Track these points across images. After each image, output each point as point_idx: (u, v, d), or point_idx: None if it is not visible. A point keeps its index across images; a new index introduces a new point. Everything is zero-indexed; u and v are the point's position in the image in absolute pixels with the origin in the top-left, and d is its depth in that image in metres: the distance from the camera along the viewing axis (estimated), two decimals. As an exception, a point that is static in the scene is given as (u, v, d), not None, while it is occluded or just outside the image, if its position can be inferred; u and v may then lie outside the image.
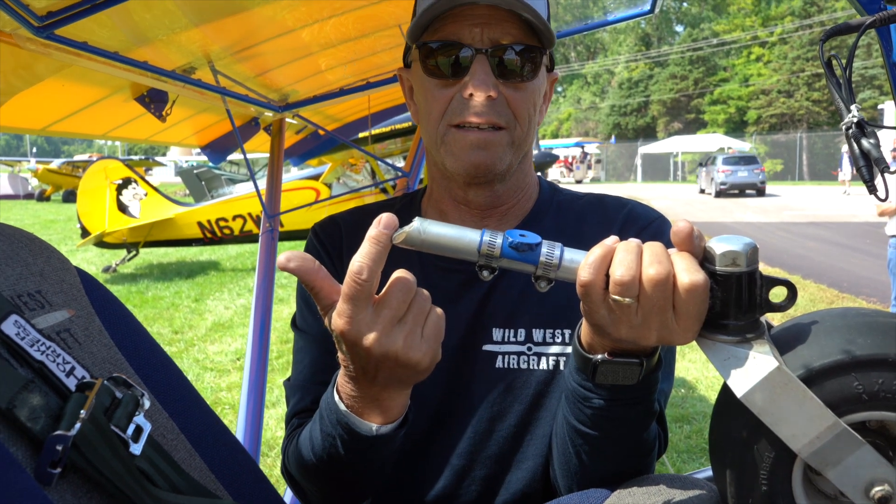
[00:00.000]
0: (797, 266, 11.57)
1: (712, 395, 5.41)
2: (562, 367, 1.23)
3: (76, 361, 0.79)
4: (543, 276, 0.87)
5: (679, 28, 67.54)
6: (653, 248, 0.84)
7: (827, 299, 9.05)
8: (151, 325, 8.21)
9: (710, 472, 0.91)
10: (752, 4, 58.21)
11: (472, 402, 1.24)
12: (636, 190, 37.78)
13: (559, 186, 1.43)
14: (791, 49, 50.52)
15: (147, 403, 0.82)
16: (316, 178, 12.27)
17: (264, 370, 3.06)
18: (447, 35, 1.17)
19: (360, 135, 6.05)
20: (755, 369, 0.78)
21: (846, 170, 30.36)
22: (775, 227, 17.82)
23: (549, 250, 0.86)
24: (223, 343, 7.43)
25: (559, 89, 69.61)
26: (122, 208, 11.73)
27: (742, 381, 0.78)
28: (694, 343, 0.85)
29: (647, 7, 2.30)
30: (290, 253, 0.86)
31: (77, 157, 41.31)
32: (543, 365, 1.23)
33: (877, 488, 0.76)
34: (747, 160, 32.79)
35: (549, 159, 15.21)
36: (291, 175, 13.33)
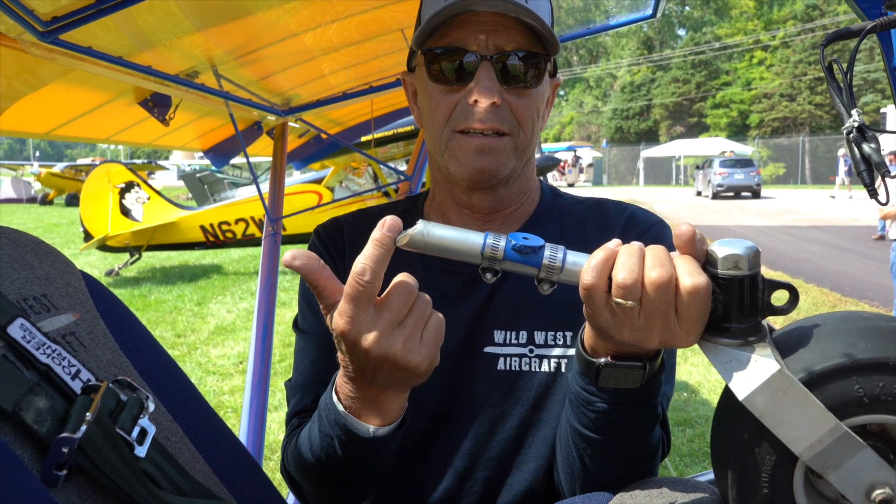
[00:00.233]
0: (799, 269, 11.56)
1: (715, 399, 5.39)
2: (563, 370, 1.23)
3: (81, 364, 0.79)
4: (546, 278, 0.87)
5: (681, 32, 67.54)
6: (655, 252, 0.84)
7: (829, 303, 9.03)
8: (154, 328, 8.21)
9: (712, 476, 0.91)
10: (755, 8, 58.24)
11: (473, 403, 1.25)
12: (638, 193, 37.77)
13: (561, 191, 1.44)
14: (793, 53, 50.51)
15: (151, 406, 0.83)
16: (318, 181, 12.28)
17: (267, 374, 3.06)
18: (452, 41, 1.18)
19: (363, 139, 6.06)
20: (757, 372, 0.78)
21: (841, 174, 30.47)
22: (777, 231, 17.80)
23: (553, 253, 0.86)
24: (226, 346, 7.43)
25: (561, 93, 69.62)
26: (125, 212, 11.75)
27: (744, 384, 0.79)
28: (696, 347, 0.86)
29: (649, 11, 2.31)
30: (296, 251, 0.87)
31: (80, 161, 41.40)
32: (545, 367, 1.24)
33: (878, 491, 0.76)
34: (743, 163, 33.84)
35: (550, 163, 15.22)
36: (294, 179, 13.34)
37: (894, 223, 6.01)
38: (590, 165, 50.78)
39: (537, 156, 14.03)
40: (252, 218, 11.74)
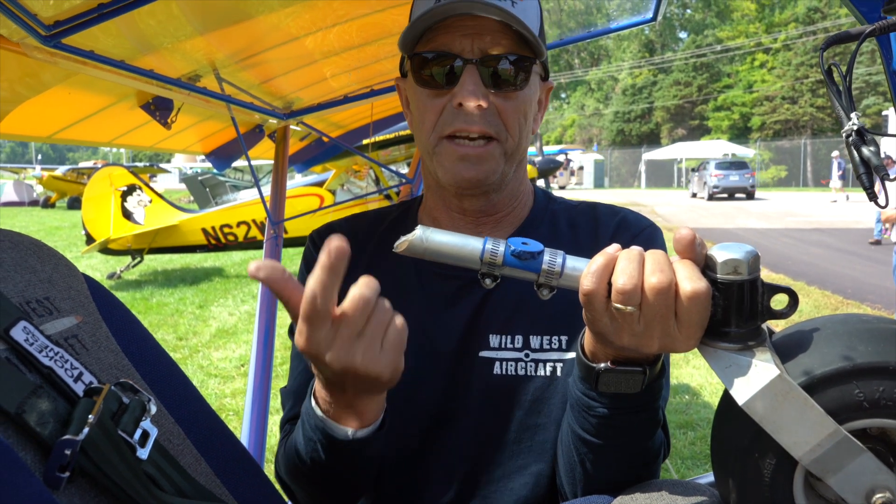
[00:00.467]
0: (801, 272, 11.55)
1: (716, 402, 5.35)
2: (559, 374, 1.23)
3: (84, 367, 0.80)
4: (546, 283, 0.87)
5: (683, 34, 67.59)
6: (655, 257, 0.84)
7: (831, 305, 9.02)
8: (156, 331, 8.21)
9: (713, 478, 0.91)
10: (756, 11, 58.25)
11: (470, 408, 1.25)
12: (640, 196, 37.80)
13: (554, 195, 1.44)
14: (795, 55, 50.49)
15: (153, 409, 0.83)
16: (320, 184, 12.29)
17: (269, 376, 3.06)
18: (438, 46, 1.18)
19: (364, 141, 6.07)
20: (756, 377, 0.78)
21: (835, 177, 30.52)
22: (779, 234, 17.79)
23: (552, 258, 0.86)
24: (227, 349, 7.43)
25: (563, 95, 69.66)
26: (127, 215, 11.76)
27: (743, 389, 0.79)
28: (698, 349, 0.86)
29: (650, 15, 2.31)
30: (259, 262, 0.85)
31: (82, 164, 41.47)
32: (541, 371, 1.23)
33: (878, 495, 0.76)
34: (738, 165, 34.97)
35: (553, 165, 15.19)
36: (295, 182, 13.35)
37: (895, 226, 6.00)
38: (580, 168, 50.80)
39: (539, 158, 14.06)
40: (254, 221, 11.75)
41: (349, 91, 2.96)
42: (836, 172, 30.54)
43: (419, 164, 3.74)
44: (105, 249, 11.83)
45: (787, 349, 0.82)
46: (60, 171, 34.62)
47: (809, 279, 10.86)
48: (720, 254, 0.81)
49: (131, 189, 11.90)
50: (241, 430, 2.92)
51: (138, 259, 12.07)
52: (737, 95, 53.93)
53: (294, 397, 1.30)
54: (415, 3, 1.25)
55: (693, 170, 39.27)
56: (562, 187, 44.61)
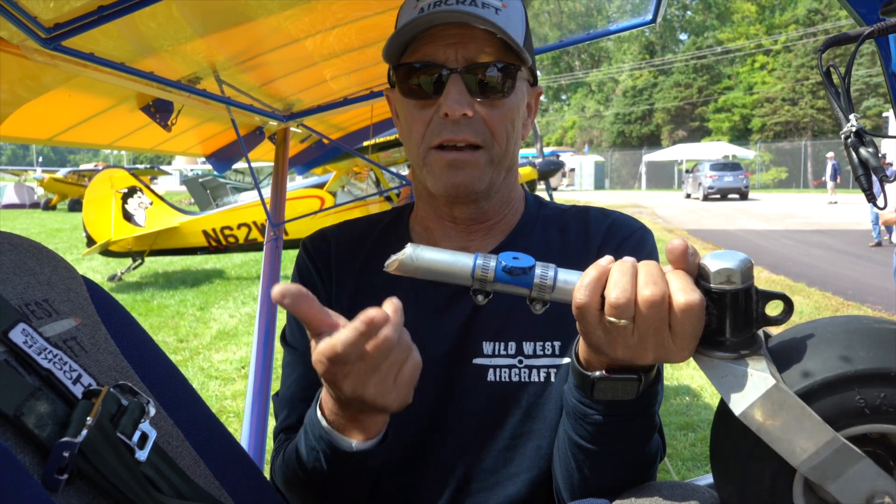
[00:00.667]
0: (802, 273, 11.54)
1: (716, 403, 5.35)
2: (553, 380, 1.23)
3: (83, 369, 0.80)
4: (538, 298, 0.87)
5: (683, 36, 67.58)
6: (648, 269, 0.84)
7: (832, 307, 9.02)
8: (156, 333, 8.22)
9: (712, 479, 0.91)
10: (756, 13, 58.28)
11: (464, 415, 1.24)
12: (640, 198, 37.81)
13: (545, 200, 1.43)
14: (795, 57, 50.51)
15: (152, 411, 0.83)
16: (321, 186, 12.29)
17: (269, 378, 3.06)
18: (422, 56, 1.18)
19: (364, 143, 6.07)
20: (752, 387, 0.78)
21: (828, 178, 30.62)
22: (780, 235, 17.78)
23: (543, 272, 0.86)
24: (228, 351, 7.44)
25: (563, 97, 69.65)
26: (128, 217, 11.77)
27: (740, 399, 0.78)
28: (693, 359, 0.85)
29: (650, 17, 2.31)
30: (284, 287, 0.84)
31: (83, 167, 41.47)
32: (535, 377, 1.23)
33: (877, 501, 0.76)
34: (732, 167, 35.74)
35: (553, 167, 15.12)
36: (296, 184, 13.36)
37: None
38: (572, 170, 50.79)
39: (539, 160, 14.02)
40: (254, 223, 11.76)
41: (349, 93, 2.96)
42: (828, 173, 30.68)
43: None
44: (106, 251, 11.84)
45: (785, 354, 0.82)
46: (61, 173, 34.63)
47: (810, 280, 10.85)
48: (713, 263, 0.81)
49: (132, 191, 11.91)
50: (242, 433, 2.92)
51: (139, 261, 12.07)
52: (737, 97, 53.95)
53: (288, 407, 1.30)
54: (399, 14, 1.25)
55: (688, 171, 39.57)
56: (554, 188, 44.66)
